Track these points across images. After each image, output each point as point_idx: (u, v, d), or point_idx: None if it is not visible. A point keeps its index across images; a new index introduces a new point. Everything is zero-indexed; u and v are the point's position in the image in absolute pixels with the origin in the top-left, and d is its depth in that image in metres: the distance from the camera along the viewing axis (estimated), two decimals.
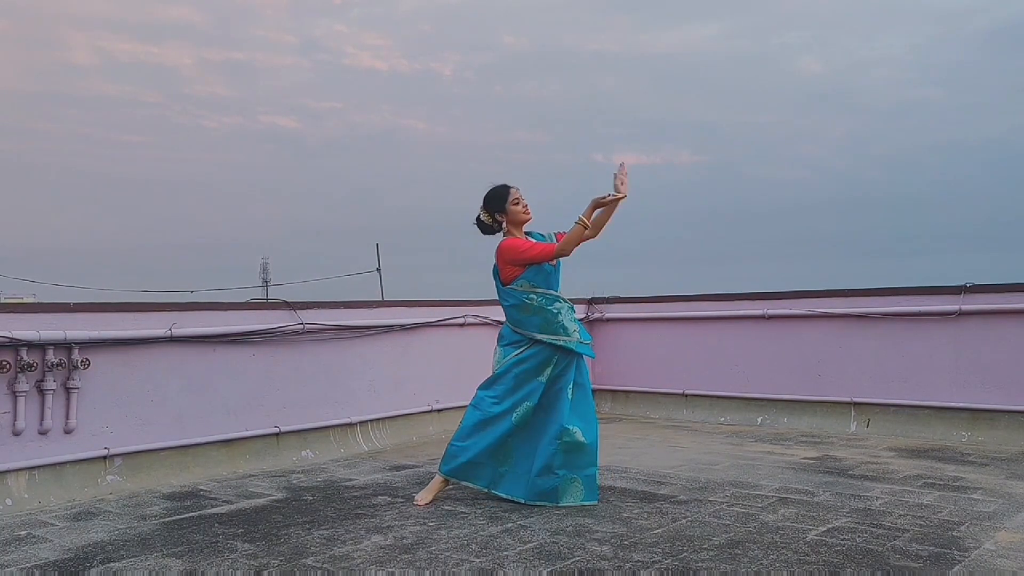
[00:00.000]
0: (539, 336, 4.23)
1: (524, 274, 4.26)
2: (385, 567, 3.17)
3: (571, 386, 4.26)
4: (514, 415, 4.21)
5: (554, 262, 4.28)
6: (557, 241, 4.32)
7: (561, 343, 4.21)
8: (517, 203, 4.30)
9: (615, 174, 4.09)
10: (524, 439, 4.24)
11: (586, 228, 4.15)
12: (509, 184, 4.36)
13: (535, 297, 4.24)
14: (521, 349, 4.27)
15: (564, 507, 4.09)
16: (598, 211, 4.16)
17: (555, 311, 4.24)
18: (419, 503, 4.18)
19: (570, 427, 4.19)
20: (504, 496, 4.20)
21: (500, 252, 4.31)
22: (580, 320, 4.43)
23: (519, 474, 4.21)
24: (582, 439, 4.20)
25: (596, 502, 4.16)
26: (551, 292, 4.27)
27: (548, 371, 4.23)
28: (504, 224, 4.36)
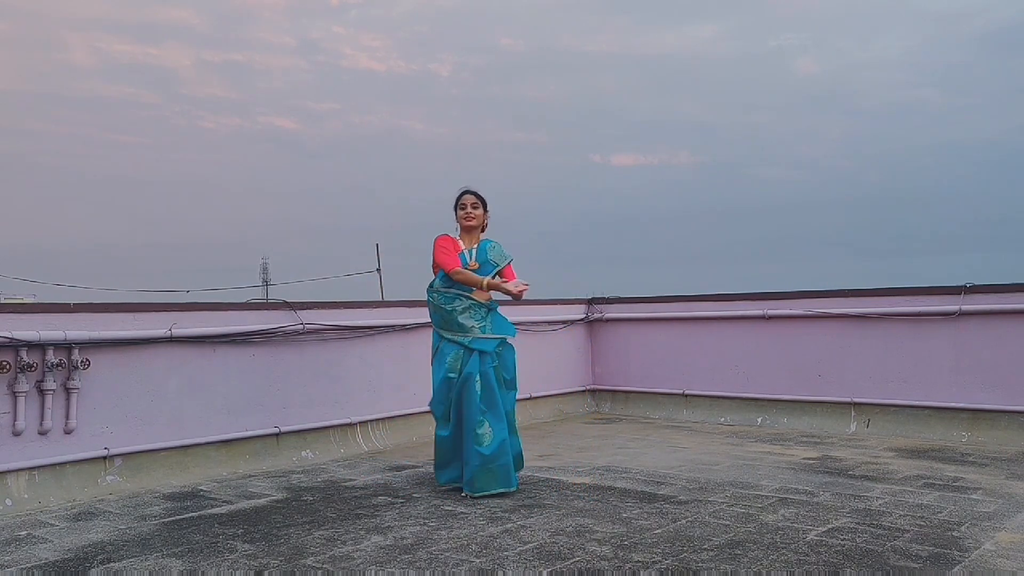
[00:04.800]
0: (440, 332, 4.59)
1: (440, 274, 4.63)
2: (385, 567, 3.17)
3: (477, 380, 4.45)
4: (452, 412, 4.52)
5: (473, 260, 4.65)
6: (496, 270, 4.64)
7: (456, 339, 4.50)
8: (463, 208, 4.71)
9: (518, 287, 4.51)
10: (460, 434, 4.50)
11: (480, 287, 4.53)
12: (465, 190, 4.75)
13: (436, 296, 4.60)
14: (439, 346, 4.60)
15: (485, 495, 4.32)
16: (495, 289, 4.56)
17: (450, 309, 4.53)
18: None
19: (480, 419, 4.41)
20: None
21: (434, 244, 4.70)
22: (509, 321, 4.68)
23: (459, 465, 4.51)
24: (489, 430, 4.41)
25: (513, 488, 4.41)
26: (452, 291, 4.55)
27: (458, 367, 4.48)
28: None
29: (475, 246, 4.71)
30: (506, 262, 4.72)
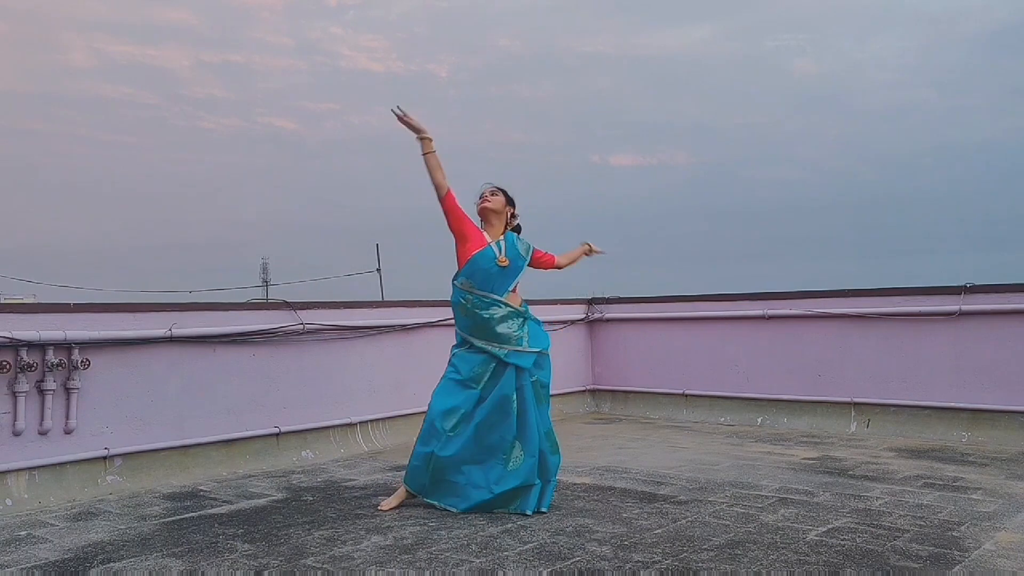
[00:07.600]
0: (471, 339, 4.16)
1: (464, 270, 4.18)
2: (385, 567, 3.17)
3: (514, 400, 4.09)
4: (450, 425, 4.09)
5: (502, 255, 4.21)
6: (533, 256, 4.40)
7: (490, 350, 4.12)
8: (481, 196, 4.38)
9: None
10: (472, 451, 4.08)
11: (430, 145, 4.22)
12: (486, 183, 4.43)
13: (470, 297, 4.16)
14: (460, 351, 4.23)
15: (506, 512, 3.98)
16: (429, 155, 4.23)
17: (487, 316, 4.13)
18: (383, 508, 4.08)
19: (512, 442, 4.07)
20: (437, 505, 4.08)
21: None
22: (543, 323, 4.35)
23: (467, 486, 4.04)
24: (521, 453, 4.06)
25: (530, 512, 3.95)
26: (489, 295, 4.16)
27: (484, 379, 4.11)
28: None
29: (502, 238, 4.29)
30: (531, 250, 4.38)
